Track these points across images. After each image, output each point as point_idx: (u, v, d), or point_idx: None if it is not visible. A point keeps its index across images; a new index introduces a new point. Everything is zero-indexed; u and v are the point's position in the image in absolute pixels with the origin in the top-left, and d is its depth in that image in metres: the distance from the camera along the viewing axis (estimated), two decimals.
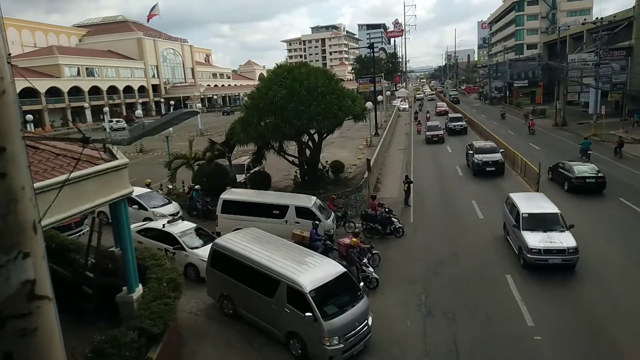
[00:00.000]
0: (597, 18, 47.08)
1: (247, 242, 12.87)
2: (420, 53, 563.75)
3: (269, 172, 24.47)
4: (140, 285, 10.47)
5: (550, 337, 11.02)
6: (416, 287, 14.05)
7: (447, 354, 10.70)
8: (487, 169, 27.24)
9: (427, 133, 41.58)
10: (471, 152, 29.12)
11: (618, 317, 11.71)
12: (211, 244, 13.35)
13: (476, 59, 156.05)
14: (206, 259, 13.21)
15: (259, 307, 11.53)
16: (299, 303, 10.39)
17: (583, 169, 23.08)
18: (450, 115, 52.61)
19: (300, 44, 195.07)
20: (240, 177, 24.14)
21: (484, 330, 11.52)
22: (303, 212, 17.20)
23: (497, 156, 27.68)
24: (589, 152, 28.95)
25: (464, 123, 46.70)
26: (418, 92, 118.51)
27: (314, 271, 11.17)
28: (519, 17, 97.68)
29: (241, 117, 22.07)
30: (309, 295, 10.26)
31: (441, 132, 40.73)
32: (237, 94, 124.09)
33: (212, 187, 21.90)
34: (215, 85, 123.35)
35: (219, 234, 16.50)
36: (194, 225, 16.65)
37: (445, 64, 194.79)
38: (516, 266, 14.92)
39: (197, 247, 15.16)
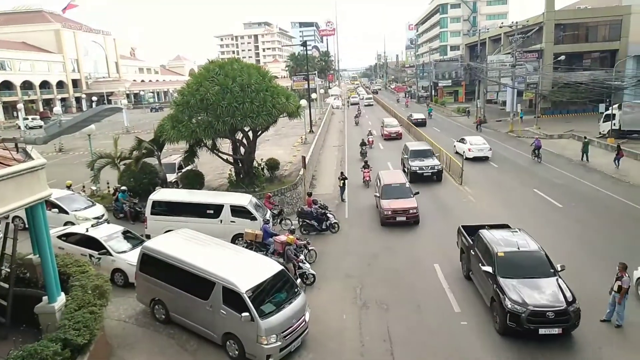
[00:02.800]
0: (512, 22, 50.67)
1: (179, 243, 12.47)
2: (352, 52, 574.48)
3: (201, 171, 23.81)
4: (62, 294, 9.80)
5: (475, 321, 11.76)
6: (352, 280, 14.38)
7: (382, 343, 11.06)
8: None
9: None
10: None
11: None
12: (140, 247, 12.77)
13: (404, 59, 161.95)
14: (135, 263, 12.62)
15: (194, 310, 11.21)
16: (236, 303, 10.24)
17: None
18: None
19: (232, 39, 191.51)
20: (171, 177, 23.30)
21: (415, 318, 12.05)
22: (239, 211, 16.94)
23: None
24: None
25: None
26: (352, 95, 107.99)
27: (251, 270, 11.07)
28: (443, 19, 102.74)
29: (171, 114, 21.28)
30: (245, 295, 10.14)
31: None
32: (166, 89, 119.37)
33: (140, 187, 20.94)
34: (143, 81, 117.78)
35: (148, 237, 15.83)
36: (121, 228, 15.87)
37: (376, 63, 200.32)
38: (444, 256, 15.74)
39: (124, 252, 14.45)
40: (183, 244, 12.48)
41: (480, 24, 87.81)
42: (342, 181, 23.20)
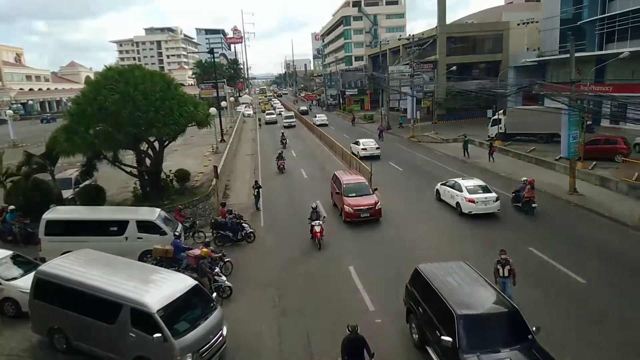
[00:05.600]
0: (409, 35, 54.25)
1: (79, 265, 11.49)
2: (261, 60, 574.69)
3: (102, 186, 22.18)
4: None
5: (388, 318, 12.32)
6: (270, 289, 14.31)
7: (301, 349, 11.14)
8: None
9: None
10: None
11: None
12: (34, 272, 11.55)
13: (312, 68, 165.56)
14: (28, 290, 11.39)
15: (99, 336, 10.39)
16: (146, 324, 9.67)
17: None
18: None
19: (132, 45, 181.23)
20: (67, 193, 21.42)
21: (333, 320, 12.28)
22: (146, 226, 16.03)
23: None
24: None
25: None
26: (266, 109, 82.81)
27: (161, 288, 10.52)
28: (346, 31, 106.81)
29: (65, 124, 19.58)
30: (156, 315, 9.62)
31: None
32: (59, 98, 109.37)
33: (31, 206, 18.90)
34: (31, 89, 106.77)
35: (43, 260, 14.33)
36: (10, 252, 14.23)
37: (285, 72, 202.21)
38: (358, 258, 16.29)
39: (15, 278, 13.01)
40: (83, 265, 11.51)
41: (381, 36, 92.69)
42: (257, 190, 23.03)
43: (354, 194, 20.31)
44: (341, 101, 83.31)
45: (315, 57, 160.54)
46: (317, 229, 17.45)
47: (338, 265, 15.88)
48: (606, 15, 39.91)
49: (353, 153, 34.21)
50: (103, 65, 22.76)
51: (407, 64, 51.99)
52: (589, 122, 31.70)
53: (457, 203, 20.57)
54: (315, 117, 61.12)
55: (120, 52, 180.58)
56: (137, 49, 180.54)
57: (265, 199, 24.17)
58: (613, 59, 31.47)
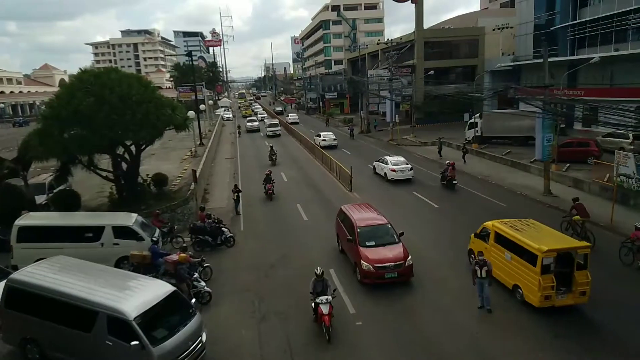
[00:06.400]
0: (388, 40, 54.83)
1: (53, 273, 11.18)
2: (240, 64, 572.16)
3: (77, 191, 21.69)
4: None
5: (369, 320, 12.36)
6: (249, 294, 14.20)
7: (282, 354, 11.08)
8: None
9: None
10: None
11: (418, 294, 13.80)
12: (5, 281, 11.20)
13: (292, 72, 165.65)
14: None
15: (74, 345, 10.14)
16: (123, 332, 9.48)
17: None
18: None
19: (109, 47, 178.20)
20: (40, 199, 20.87)
21: (313, 324, 12.27)
22: (123, 232, 15.74)
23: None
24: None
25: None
26: (247, 114, 78.42)
27: (139, 295, 10.33)
28: (326, 35, 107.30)
29: (38, 128, 19.11)
30: (134, 322, 9.44)
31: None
32: (32, 101, 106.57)
33: (2, 212, 18.34)
34: (2, 92, 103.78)
35: (15, 268, 13.90)
36: None
37: (265, 75, 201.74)
38: (338, 260, 16.32)
39: None
40: (57, 273, 11.21)
41: (360, 40, 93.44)
42: (236, 194, 22.88)
43: (373, 243, 14.69)
44: (321, 104, 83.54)
45: (294, 61, 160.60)
46: (325, 309, 11.47)
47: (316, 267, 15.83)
48: (577, 21, 41.17)
49: (315, 144, 40.91)
50: (78, 67, 22.32)
51: (385, 68, 52.50)
52: (562, 126, 32.59)
53: (385, 173, 28.68)
54: (288, 115, 71.07)
55: (96, 54, 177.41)
56: (114, 51, 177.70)
57: (245, 203, 24.00)
58: (584, 64, 32.42)
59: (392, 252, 14.40)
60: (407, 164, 28.26)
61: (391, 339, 11.44)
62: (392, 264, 14.02)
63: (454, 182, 25.45)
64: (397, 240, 15.01)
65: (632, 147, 27.60)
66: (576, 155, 28.10)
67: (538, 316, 12.11)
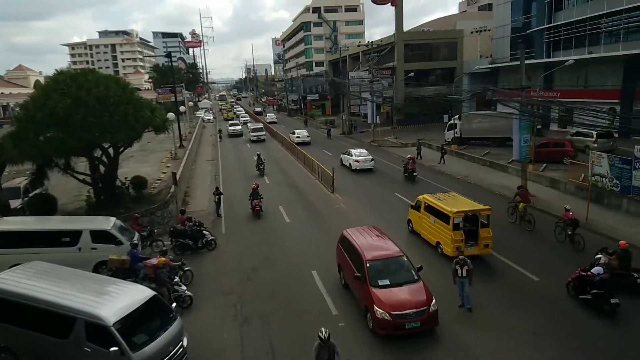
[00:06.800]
0: (368, 42, 55.22)
1: (28, 279, 10.92)
2: (221, 65, 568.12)
3: (54, 194, 21.19)
4: None
5: (351, 321, 12.40)
6: (231, 297, 14.10)
7: (265, 357, 11.02)
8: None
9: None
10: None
11: None
12: None
13: (273, 73, 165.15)
14: None
15: (51, 353, 9.91)
16: (102, 338, 9.31)
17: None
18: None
19: (86, 48, 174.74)
20: (15, 203, 20.30)
21: (296, 327, 12.26)
22: (101, 236, 15.46)
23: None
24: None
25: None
26: (229, 117, 76.73)
27: (118, 300, 10.16)
28: (307, 36, 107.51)
29: (12, 130, 18.59)
30: (112, 328, 9.28)
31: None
32: (5, 103, 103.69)
33: None
34: None
35: None
36: None
37: (246, 76, 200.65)
38: (320, 261, 16.33)
39: None
40: (33, 278, 10.95)
41: (341, 42, 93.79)
42: (218, 196, 22.69)
43: (388, 282, 12.04)
44: (303, 106, 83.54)
45: (276, 62, 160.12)
46: None
47: (301, 270, 15.84)
48: (552, 25, 42.19)
49: (290, 141, 44.66)
50: (54, 69, 21.79)
51: (366, 70, 52.83)
52: (539, 126, 33.30)
53: (350, 163, 32.46)
54: (267, 115, 76.73)
55: (73, 55, 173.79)
56: (91, 52, 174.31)
57: (227, 205, 23.82)
58: (559, 66, 33.22)
59: (413, 294, 11.65)
60: (368, 156, 32.41)
61: (375, 339, 11.49)
62: (414, 310, 11.24)
63: (414, 174, 28.32)
64: (416, 277, 12.27)
65: (595, 145, 28.81)
66: (552, 156, 28.74)
67: (517, 314, 12.35)
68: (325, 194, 26.26)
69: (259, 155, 32.84)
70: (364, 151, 33.26)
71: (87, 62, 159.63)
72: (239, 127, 58.15)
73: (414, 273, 12.40)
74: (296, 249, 17.90)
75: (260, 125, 54.34)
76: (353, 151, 33.18)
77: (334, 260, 15.62)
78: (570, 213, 16.70)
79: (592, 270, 12.43)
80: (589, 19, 37.87)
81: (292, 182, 29.68)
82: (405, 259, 12.76)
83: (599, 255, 13.38)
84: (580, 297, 12.64)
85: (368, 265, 12.31)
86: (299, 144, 43.12)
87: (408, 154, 30.83)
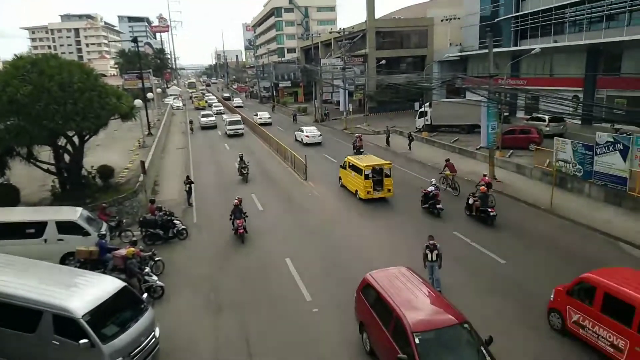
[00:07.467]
0: (340, 29, 54.97)
1: None
2: (190, 51, 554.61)
3: (16, 185, 20.41)
4: None
5: (325, 307, 12.54)
6: (204, 286, 14.01)
7: (239, 345, 11.04)
8: None
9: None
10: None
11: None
12: None
13: (244, 59, 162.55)
14: None
15: (18, 348, 9.63)
16: (71, 331, 9.11)
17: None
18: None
19: (47, 33, 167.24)
20: None
21: (271, 314, 12.31)
22: (67, 227, 15.04)
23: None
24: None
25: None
26: (201, 105, 73.45)
27: (86, 292, 9.95)
28: (278, 22, 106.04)
29: None
30: (82, 320, 9.10)
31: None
32: None
33: None
34: None
35: None
36: None
37: (216, 63, 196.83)
38: (294, 249, 16.39)
39: None
40: None
41: (313, 29, 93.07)
42: (188, 185, 22.36)
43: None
44: (275, 93, 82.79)
45: (247, 48, 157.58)
46: None
47: (274, 257, 15.85)
48: (520, 14, 43.02)
49: (254, 122, 49.12)
50: (13, 54, 20.69)
51: (338, 57, 52.69)
52: (506, 114, 34.14)
53: (302, 138, 38.17)
54: (234, 100, 79.38)
55: (33, 39, 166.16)
56: (53, 36, 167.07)
57: (198, 194, 23.50)
58: (526, 54, 34.00)
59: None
60: (317, 132, 38.59)
61: (346, 323, 11.66)
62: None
63: (361, 150, 31.69)
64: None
65: (548, 128, 31.08)
66: (519, 142, 29.54)
67: (482, 300, 12.79)
68: (299, 182, 26.24)
69: (241, 157, 27.17)
70: (313, 128, 39.58)
71: (49, 47, 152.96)
72: (213, 117, 52.72)
73: (484, 351, 8.39)
74: (270, 237, 17.88)
75: (238, 117, 48.55)
76: (305, 128, 38.96)
77: (307, 246, 15.67)
78: (486, 178, 20.32)
79: (427, 189, 19.52)
80: (554, 9, 38.79)
81: (266, 171, 29.47)
82: (468, 329, 8.79)
83: (433, 180, 20.29)
84: (423, 206, 19.85)
85: (417, 340, 8.33)
86: (261, 124, 48.25)
87: (356, 133, 36.46)
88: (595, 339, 9.85)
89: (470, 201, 18.81)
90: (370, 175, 21.37)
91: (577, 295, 10.37)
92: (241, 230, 17.31)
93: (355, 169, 22.08)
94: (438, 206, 19.02)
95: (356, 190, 22.23)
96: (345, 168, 23.74)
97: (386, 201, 21.81)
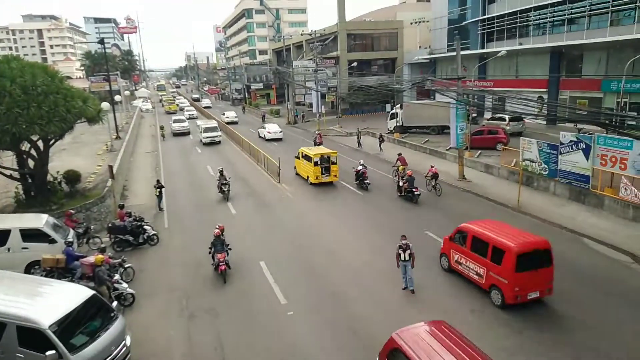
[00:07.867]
0: (312, 31, 55.10)
1: None
2: (159, 52, 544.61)
3: None
4: None
5: (300, 309, 12.53)
6: (176, 293, 13.76)
7: (213, 352, 10.90)
8: None
9: None
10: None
11: (346, 279, 14.22)
12: None
13: (215, 61, 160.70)
14: None
15: None
16: (37, 342, 8.81)
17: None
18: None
19: (8, 33, 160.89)
20: None
21: (244, 318, 12.20)
22: (32, 235, 14.51)
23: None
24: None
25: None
26: (171, 109, 70.35)
27: (53, 301, 9.65)
28: (249, 24, 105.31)
29: None
30: (49, 330, 8.81)
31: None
32: None
33: None
34: None
35: None
36: None
37: (186, 64, 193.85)
38: (268, 252, 16.30)
39: None
40: None
41: (284, 31, 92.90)
42: (159, 189, 21.93)
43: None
44: (247, 96, 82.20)
45: (217, 50, 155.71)
46: None
47: (248, 261, 15.73)
48: (486, 17, 44.17)
49: (222, 122, 51.63)
50: None
51: (310, 59, 52.80)
52: (474, 115, 34.95)
53: (264, 135, 42.29)
54: (203, 101, 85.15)
55: None
56: (14, 37, 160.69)
57: (169, 198, 23.09)
58: (493, 57, 34.92)
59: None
60: (278, 128, 42.71)
61: (322, 325, 11.69)
62: None
63: (319, 143, 33.98)
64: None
65: (508, 127, 32.68)
66: (487, 142, 30.30)
67: (457, 294, 13.04)
68: (273, 185, 26.15)
69: (221, 173, 23.64)
70: (275, 125, 43.70)
71: (11, 49, 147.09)
72: (186, 123, 48.82)
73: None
74: (244, 240, 17.72)
75: (214, 124, 43.68)
76: (267, 126, 43.34)
77: (282, 250, 15.57)
78: (434, 168, 22.90)
79: (357, 168, 24.47)
80: (519, 12, 40.01)
81: (240, 175, 29.18)
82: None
83: (361, 160, 25.51)
84: (356, 182, 24.50)
85: None
86: (228, 123, 52.40)
87: (316, 131, 40.03)
88: (467, 271, 13.30)
89: (401, 183, 22.19)
90: (319, 163, 24.76)
91: (457, 240, 13.75)
92: (223, 267, 14.34)
93: (307, 158, 25.26)
94: (366, 181, 23.87)
95: (307, 177, 25.32)
96: (299, 158, 26.93)
97: (362, 200, 22.00)
